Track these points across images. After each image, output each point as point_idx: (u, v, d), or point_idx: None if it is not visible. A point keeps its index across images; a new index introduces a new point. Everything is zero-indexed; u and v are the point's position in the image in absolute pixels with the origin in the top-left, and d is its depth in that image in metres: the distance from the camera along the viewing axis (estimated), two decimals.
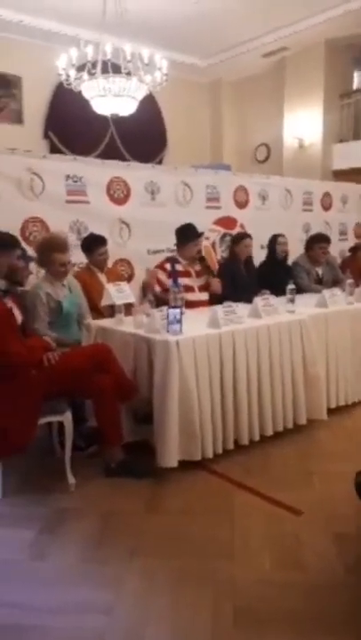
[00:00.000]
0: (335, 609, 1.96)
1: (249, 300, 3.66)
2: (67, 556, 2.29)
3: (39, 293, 3.33)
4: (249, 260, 4.79)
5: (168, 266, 4.17)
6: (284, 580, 2.10)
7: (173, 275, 4.08)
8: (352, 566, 2.19)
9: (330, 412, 3.74)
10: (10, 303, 2.81)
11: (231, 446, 3.19)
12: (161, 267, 4.20)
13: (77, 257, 4.16)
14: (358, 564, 2.22)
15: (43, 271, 3.53)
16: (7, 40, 7.01)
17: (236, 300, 3.56)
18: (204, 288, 4.24)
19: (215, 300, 4.10)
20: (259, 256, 5.21)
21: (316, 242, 5.04)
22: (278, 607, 1.96)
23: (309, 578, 2.12)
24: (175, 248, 4.32)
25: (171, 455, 2.88)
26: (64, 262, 3.41)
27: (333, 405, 3.88)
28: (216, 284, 4.23)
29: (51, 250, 3.37)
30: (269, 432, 3.36)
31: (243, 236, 4.81)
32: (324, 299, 3.99)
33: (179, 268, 4.16)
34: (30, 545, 2.37)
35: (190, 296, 4.08)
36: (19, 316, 2.87)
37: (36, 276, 3.82)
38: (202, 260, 4.28)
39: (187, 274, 4.19)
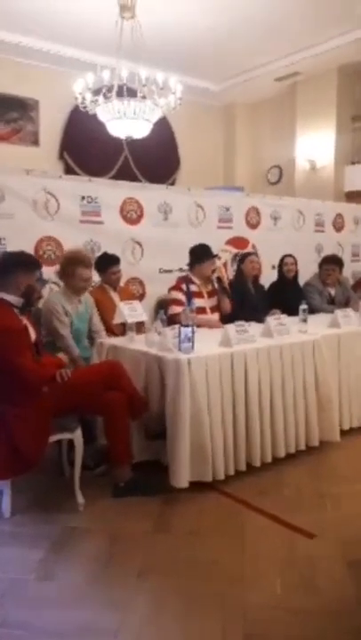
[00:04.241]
0: (349, 636, 1.90)
1: (259, 320, 3.64)
2: (74, 576, 2.26)
3: (55, 306, 3.42)
4: (256, 279, 4.80)
5: (184, 286, 4.12)
6: (297, 606, 2.05)
7: (188, 295, 4.07)
8: None
9: (342, 433, 3.69)
10: (25, 321, 2.83)
11: (243, 467, 3.14)
12: (178, 287, 4.14)
13: None
14: None
15: (56, 287, 3.58)
16: (25, 65, 7.21)
17: (246, 319, 3.54)
18: (215, 309, 4.21)
19: (224, 320, 4.09)
20: (270, 276, 5.22)
21: (324, 263, 5.16)
22: (290, 634, 1.90)
23: (323, 604, 2.06)
24: (187, 268, 4.28)
25: (182, 475, 2.84)
26: (87, 277, 3.49)
27: (346, 427, 3.82)
28: (226, 304, 4.20)
29: (76, 263, 3.46)
30: (282, 454, 3.32)
31: (247, 254, 4.86)
32: (336, 319, 3.97)
33: (193, 288, 4.13)
34: (38, 565, 2.34)
35: (202, 317, 4.07)
36: (33, 334, 2.89)
37: (49, 290, 3.89)
38: (219, 280, 4.20)
39: (199, 295, 4.14)
